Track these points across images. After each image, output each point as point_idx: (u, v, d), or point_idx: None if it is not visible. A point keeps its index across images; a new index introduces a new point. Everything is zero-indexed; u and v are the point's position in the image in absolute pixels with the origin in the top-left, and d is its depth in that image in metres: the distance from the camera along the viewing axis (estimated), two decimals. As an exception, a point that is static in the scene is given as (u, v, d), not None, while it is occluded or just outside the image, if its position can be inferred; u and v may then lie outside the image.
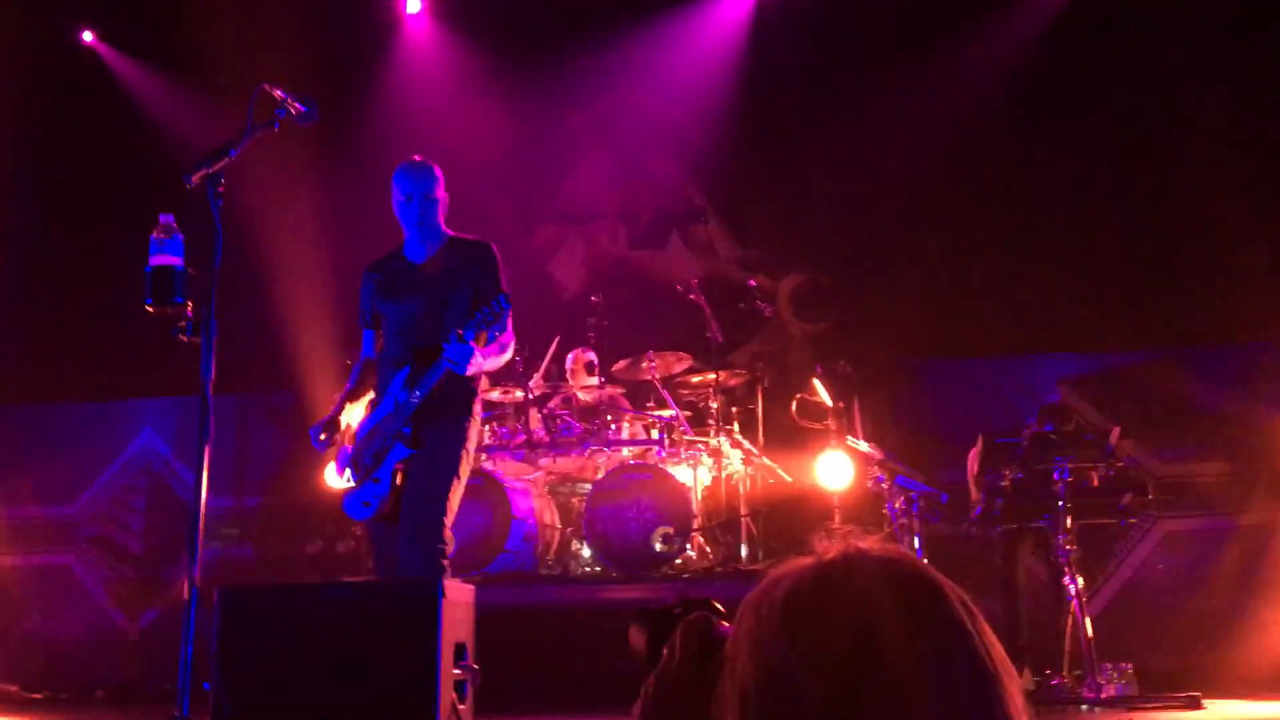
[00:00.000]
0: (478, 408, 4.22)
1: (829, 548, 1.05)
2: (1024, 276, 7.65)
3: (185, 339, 3.24)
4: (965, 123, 7.62)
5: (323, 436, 4.16)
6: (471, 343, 3.90)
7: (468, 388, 4.13)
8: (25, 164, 8.63)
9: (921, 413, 7.25)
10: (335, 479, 4.23)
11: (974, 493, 5.95)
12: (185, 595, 3.09)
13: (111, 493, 6.93)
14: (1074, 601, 5.17)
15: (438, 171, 4.27)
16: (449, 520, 3.91)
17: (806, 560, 1.04)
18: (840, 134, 7.98)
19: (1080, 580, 5.20)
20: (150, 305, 3.25)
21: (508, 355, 4.26)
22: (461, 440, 4.05)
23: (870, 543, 1.05)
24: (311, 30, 7.94)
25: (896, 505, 6.17)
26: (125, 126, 8.47)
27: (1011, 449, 5.65)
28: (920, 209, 7.81)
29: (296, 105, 3.46)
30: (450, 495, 3.94)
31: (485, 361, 4.07)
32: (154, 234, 3.27)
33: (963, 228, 7.73)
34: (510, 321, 4.12)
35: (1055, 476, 5.26)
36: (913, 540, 6.04)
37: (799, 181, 8.14)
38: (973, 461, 5.97)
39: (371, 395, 4.23)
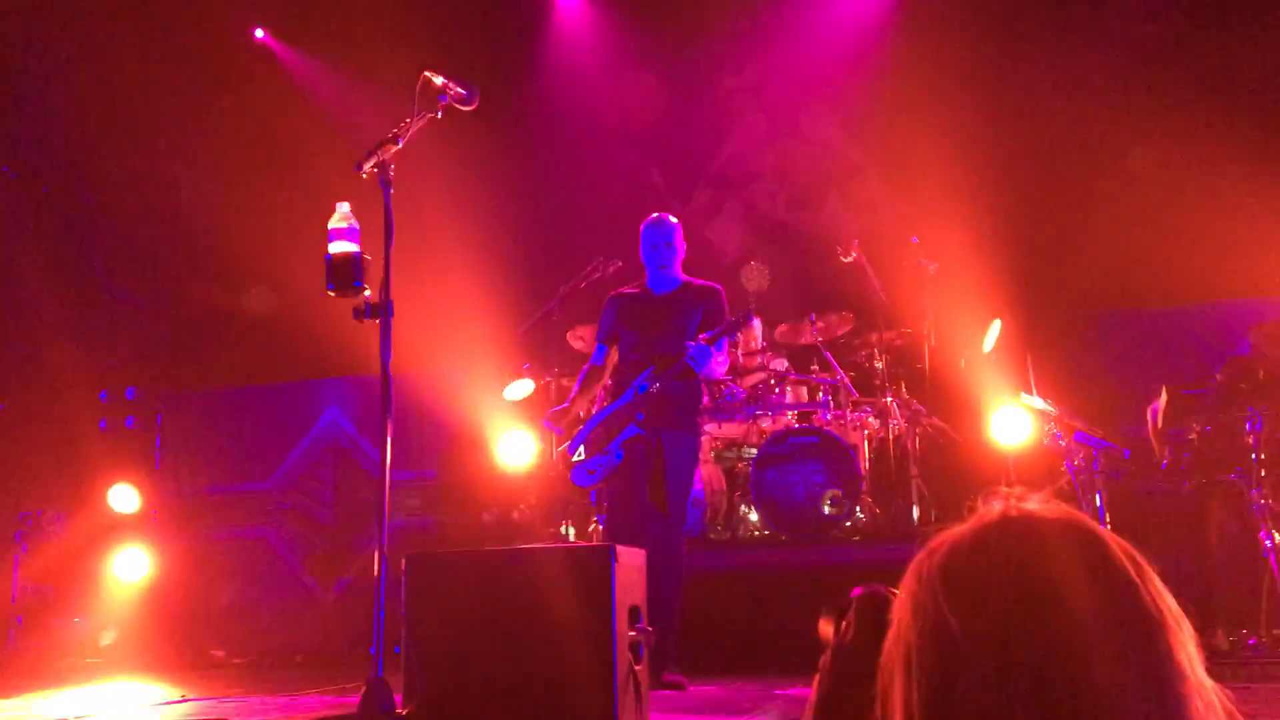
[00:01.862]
0: (703, 414, 5.20)
1: (989, 509, 1.05)
2: (1209, 219, 7.24)
3: (365, 320, 3.40)
4: (1137, 63, 7.24)
5: (558, 425, 5.07)
6: (710, 345, 4.65)
7: (696, 393, 4.99)
8: (209, 159, 9.15)
9: (1100, 365, 6.97)
10: (511, 457, 5.33)
11: (1158, 448, 5.71)
12: (375, 563, 3.27)
13: (303, 468, 7.32)
14: (1270, 557, 4.92)
15: (677, 224, 5.07)
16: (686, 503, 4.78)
17: (966, 522, 1.04)
18: (1004, 82, 7.70)
19: (1276, 535, 4.94)
20: (331, 290, 3.42)
21: (725, 367, 5.05)
22: (695, 446, 4.98)
23: (1032, 501, 1.05)
24: (468, 14, 8.13)
25: (1076, 462, 5.98)
26: (299, 118, 8.86)
27: (1199, 400, 5.40)
28: (1094, 154, 7.48)
29: (457, 90, 3.56)
30: (689, 485, 4.87)
31: (718, 365, 4.83)
32: (331, 222, 3.43)
33: (1138, 172, 7.36)
34: (727, 346, 4.92)
35: (1247, 428, 5.00)
36: (1094, 498, 5.85)
37: (962, 132, 7.89)
38: (1156, 415, 5.72)
39: (593, 394, 5.13)
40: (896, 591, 1.44)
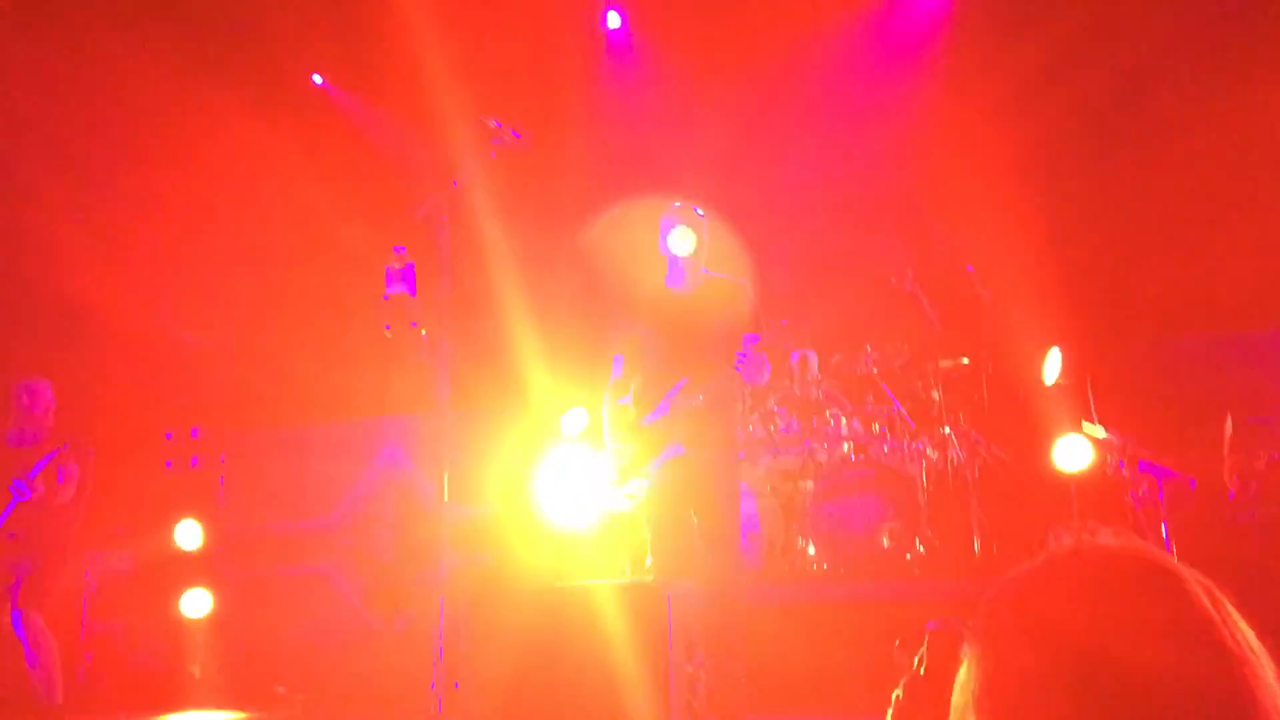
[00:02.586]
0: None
1: (1059, 544, 1.04)
2: (1276, 243, 7.11)
3: (421, 360, 3.46)
4: (1192, 91, 7.16)
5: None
6: (748, 353, 4.32)
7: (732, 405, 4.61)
8: (270, 203, 9.35)
9: (1164, 393, 6.84)
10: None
11: (1226, 477, 5.59)
12: (434, 600, 3.30)
13: (363, 505, 7.39)
14: (1348, 589, 4.78)
15: (698, 213, 4.66)
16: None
17: (1036, 558, 1.04)
18: (1061, 104, 7.63)
19: (1351, 565, 4.81)
20: (388, 330, 3.48)
21: (768, 370, 4.71)
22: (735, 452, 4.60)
23: (1104, 534, 1.04)
24: (520, 58, 8.25)
25: (1140, 492, 5.86)
26: (358, 163, 9.03)
27: (1266, 428, 5.28)
28: (1154, 176, 7.38)
29: (511, 133, 3.63)
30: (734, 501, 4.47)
31: (759, 379, 4.61)
32: (389, 265, 3.50)
33: (1196, 197, 7.26)
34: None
35: (1317, 456, 4.88)
36: (1160, 529, 5.73)
37: (1018, 157, 7.83)
38: (1223, 443, 5.61)
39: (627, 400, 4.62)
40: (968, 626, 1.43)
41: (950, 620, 1.35)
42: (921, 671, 1.30)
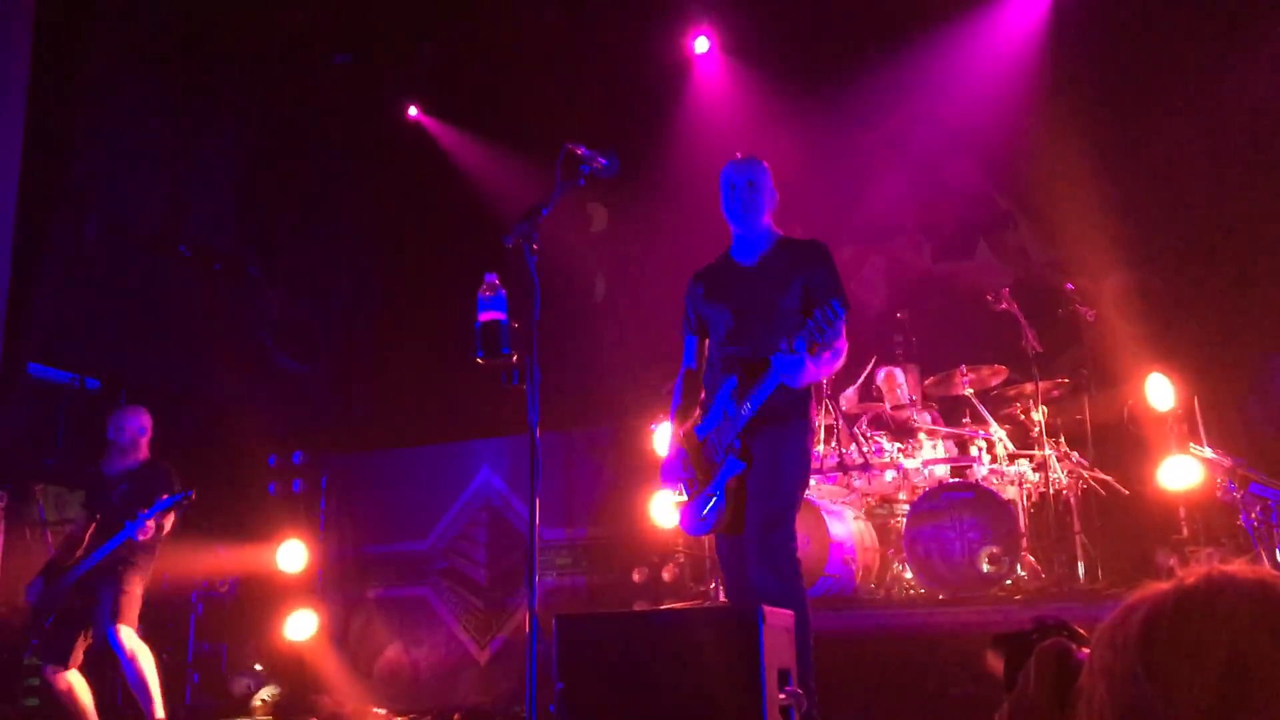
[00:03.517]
0: (813, 416, 4.06)
1: (1189, 572, 0.98)
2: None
3: (513, 385, 3.49)
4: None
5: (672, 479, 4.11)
6: (804, 353, 3.67)
7: (801, 397, 3.92)
8: (368, 232, 9.58)
9: (1272, 412, 6.59)
10: (661, 514, 4.24)
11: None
12: (526, 624, 3.32)
13: (458, 528, 7.48)
14: None
15: (765, 165, 4.18)
16: (794, 532, 3.82)
17: (1163, 586, 0.99)
18: (1154, 124, 7.45)
19: None
20: (481, 357, 3.53)
21: (840, 361, 4.01)
22: (798, 453, 3.88)
23: (1235, 565, 0.98)
24: (609, 84, 8.34)
25: (1252, 516, 5.65)
26: (450, 192, 9.21)
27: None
28: (1253, 194, 7.14)
29: (599, 160, 3.65)
30: (792, 511, 3.86)
31: (819, 370, 3.86)
32: (480, 292, 3.55)
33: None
34: (844, 326, 3.83)
35: None
36: (1274, 554, 5.51)
37: (1114, 176, 7.66)
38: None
39: (697, 406, 4.14)
40: (1078, 644, 1.38)
41: (1060, 641, 1.29)
42: (1030, 690, 1.24)
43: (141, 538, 5.58)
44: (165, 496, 5.63)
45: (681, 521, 4.08)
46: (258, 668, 7.59)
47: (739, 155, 4.20)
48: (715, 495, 3.92)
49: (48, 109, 7.49)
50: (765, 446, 3.85)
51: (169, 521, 5.76)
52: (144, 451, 6.07)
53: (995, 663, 1.46)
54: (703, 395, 4.12)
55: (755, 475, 3.84)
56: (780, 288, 3.92)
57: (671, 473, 4.10)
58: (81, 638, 5.70)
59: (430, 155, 9.46)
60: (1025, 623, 1.52)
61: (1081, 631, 1.40)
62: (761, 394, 3.80)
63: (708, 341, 4.17)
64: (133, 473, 5.94)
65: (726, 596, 4.13)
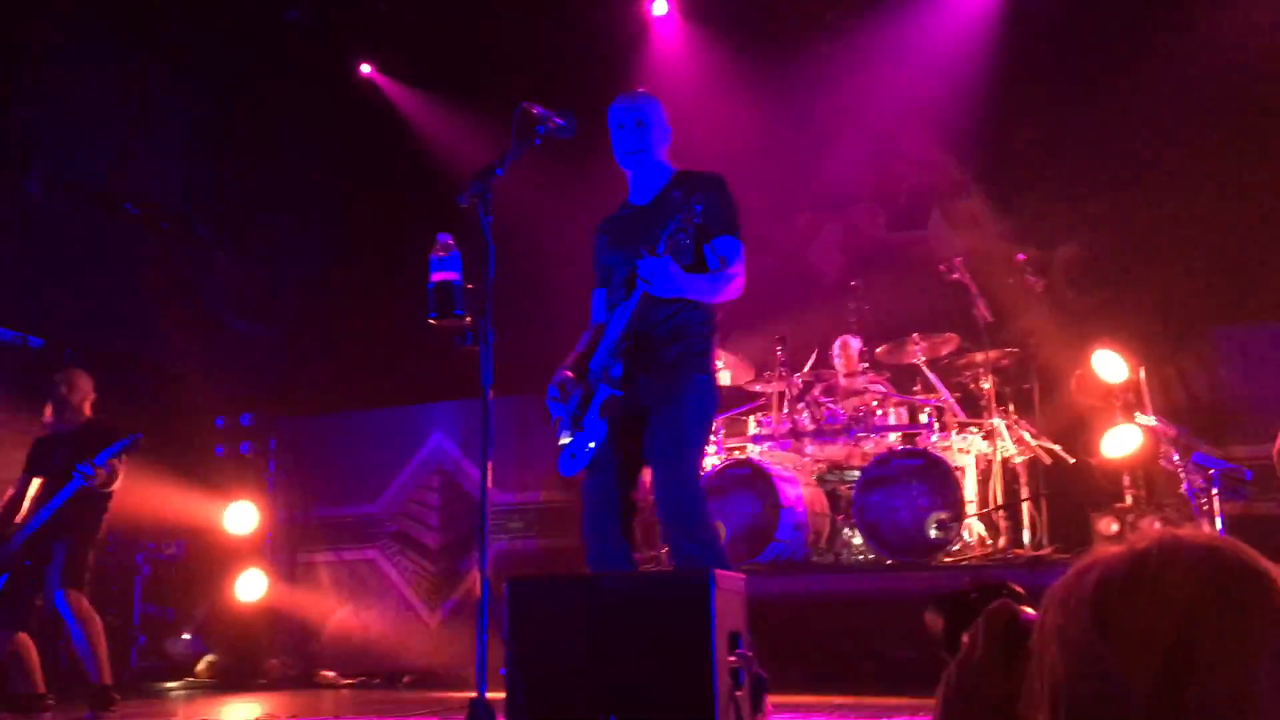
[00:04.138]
0: (710, 357, 3.78)
1: (1139, 536, 0.98)
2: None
3: (466, 347, 3.46)
4: (1241, 79, 7.00)
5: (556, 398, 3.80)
6: (666, 256, 3.45)
7: (697, 333, 3.72)
8: (319, 194, 9.44)
9: (1216, 383, 6.72)
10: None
11: (1281, 469, 5.47)
12: (478, 587, 3.31)
13: (409, 492, 7.45)
14: None
15: (655, 99, 3.93)
16: (700, 505, 3.58)
17: (1115, 549, 0.98)
18: (1108, 96, 7.51)
19: None
20: (433, 319, 3.49)
21: (734, 291, 3.72)
22: (696, 402, 3.62)
23: (1184, 529, 0.98)
24: (566, 44, 8.25)
25: (1194, 484, 5.76)
26: (403, 152, 9.09)
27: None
28: (1199, 169, 7.23)
29: (555, 120, 3.60)
30: (693, 467, 3.63)
31: (695, 290, 3.63)
32: (433, 252, 3.50)
33: (1248, 185, 7.11)
34: (740, 255, 3.70)
35: (1379, 448, 4.76)
36: (1214, 521, 5.63)
37: (1067, 148, 7.73)
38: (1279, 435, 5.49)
39: None
40: (1019, 589, 1.38)
41: (1006, 602, 1.30)
42: (976, 656, 1.24)
43: (91, 485, 5.48)
44: (113, 443, 5.54)
45: (558, 463, 3.76)
46: (185, 637, 7.52)
47: (626, 93, 3.97)
48: (587, 427, 3.65)
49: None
50: (656, 393, 3.61)
51: (119, 473, 5.66)
52: (86, 412, 5.97)
53: (934, 622, 1.47)
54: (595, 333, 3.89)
55: (653, 430, 3.61)
56: (672, 219, 3.56)
57: (562, 419, 3.78)
58: (33, 601, 5.62)
59: (384, 115, 9.32)
60: (964, 583, 1.53)
61: (1020, 590, 1.40)
62: (628, 308, 3.59)
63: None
64: (75, 433, 5.83)
65: (588, 564, 3.73)
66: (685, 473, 3.61)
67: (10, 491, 5.86)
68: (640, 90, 4.01)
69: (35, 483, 5.74)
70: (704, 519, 3.60)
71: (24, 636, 5.61)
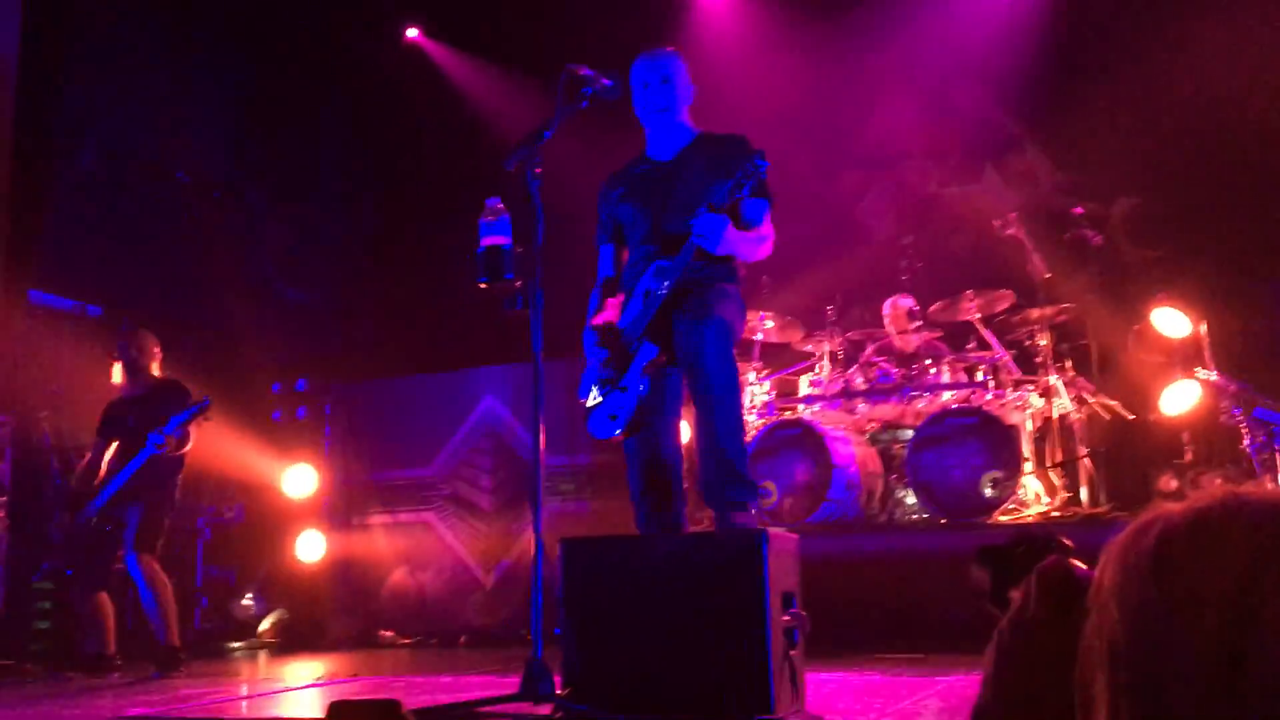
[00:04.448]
0: (741, 313, 3.78)
1: (1201, 494, 0.95)
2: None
3: (516, 311, 3.47)
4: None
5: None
6: (724, 211, 3.46)
7: (726, 277, 3.71)
8: (368, 158, 9.48)
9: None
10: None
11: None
12: (531, 548, 3.34)
13: (462, 454, 7.50)
14: None
15: (679, 57, 3.90)
16: (738, 446, 3.53)
17: (1176, 506, 0.96)
18: (1171, 45, 7.30)
19: None
20: (483, 283, 3.50)
21: (765, 251, 3.76)
22: (725, 340, 3.53)
23: (1249, 487, 0.95)
24: (612, 4, 8.18)
25: (1256, 440, 5.66)
26: (451, 116, 9.09)
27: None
28: (1258, 118, 7.03)
29: (603, 82, 3.58)
30: (735, 409, 3.56)
31: (742, 244, 3.64)
32: (483, 216, 3.51)
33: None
34: (769, 214, 3.73)
35: None
36: (1276, 478, 5.53)
37: (1125, 98, 7.53)
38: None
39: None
40: (1067, 542, 1.36)
41: (1061, 559, 1.27)
42: (1030, 614, 1.22)
43: (163, 452, 5.60)
44: (181, 411, 5.65)
45: (590, 424, 3.71)
46: (247, 600, 7.67)
47: (650, 49, 3.91)
48: (629, 388, 3.60)
49: (41, 37, 7.37)
50: (690, 335, 3.50)
51: (190, 437, 5.77)
52: (155, 373, 6.08)
53: (980, 576, 1.44)
54: (621, 295, 3.83)
55: (688, 388, 3.58)
56: (701, 179, 3.63)
57: (588, 378, 3.76)
58: (112, 563, 5.79)
59: (431, 79, 9.32)
60: (1010, 537, 1.50)
61: (1069, 544, 1.38)
62: (681, 261, 3.55)
63: (625, 250, 3.92)
64: (146, 394, 5.95)
65: (638, 525, 3.71)
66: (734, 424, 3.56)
67: (87, 456, 6.00)
68: (664, 47, 3.96)
69: (112, 446, 5.88)
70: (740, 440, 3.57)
71: (103, 597, 5.78)
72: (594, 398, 3.72)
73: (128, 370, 6.02)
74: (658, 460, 3.66)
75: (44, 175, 7.57)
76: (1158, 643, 0.88)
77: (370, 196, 9.71)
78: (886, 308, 6.99)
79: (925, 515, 6.25)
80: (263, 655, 6.92)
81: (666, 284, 3.58)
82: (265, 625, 7.55)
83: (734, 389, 3.57)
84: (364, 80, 9.27)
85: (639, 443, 3.70)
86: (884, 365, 6.64)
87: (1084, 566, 1.24)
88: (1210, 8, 7.02)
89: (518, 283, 3.47)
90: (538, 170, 3.41)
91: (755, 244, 3.71)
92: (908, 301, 6.92)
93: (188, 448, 5.80)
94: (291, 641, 7.28)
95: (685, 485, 3.80)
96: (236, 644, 7.38)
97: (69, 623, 6.21)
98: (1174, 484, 6.03)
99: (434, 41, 9.49)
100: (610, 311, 3.82)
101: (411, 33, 9.51)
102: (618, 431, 3.65)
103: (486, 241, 3.48)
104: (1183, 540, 0.92)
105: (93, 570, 5.77)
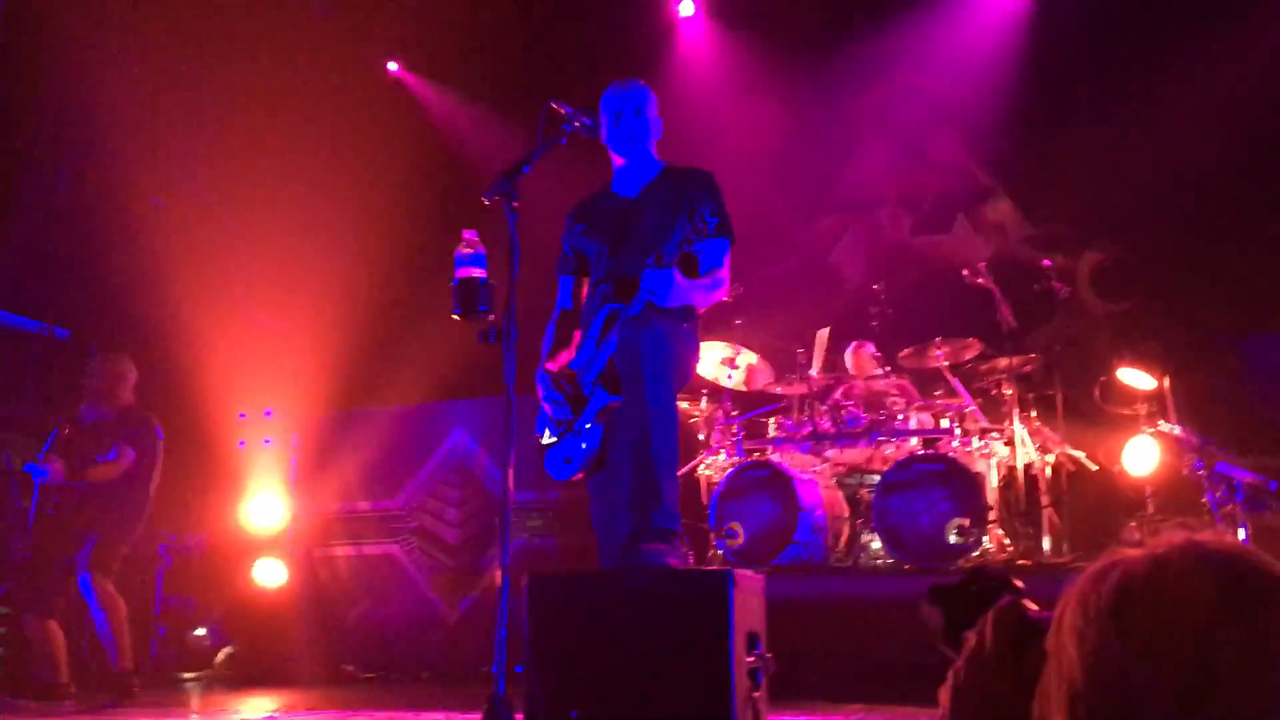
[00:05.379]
0: (690, 350, 3.77)
1: (1160, 541, 0.97)
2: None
3: (490, 344, 3.46)
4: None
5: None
6: (674, 267, 3.47)
7: (681, 325, 3.67)
8: (342, 190, 9.47)
9: (1243, 394, 6.67)
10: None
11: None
12: (498, 583, 3.32)
13: (429, 488, 7.46)
14: None
15: (650, 91, 3.92)
16: (668, 478, 3.47)
17: (1136, 552, 0.97)
18: (1138, 102, 7.46)
19: None
20: (457, 315, 3.50)
21: (720, 294, 3.78)
22: (668, 384, 3.53)
23: (1206, 535, 0.97)
24: (594, 44, 8.27)
25: (1217, 494, 5.73)
26: (431, 149, 9.12)
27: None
28: (1228, 176, 7.18)
29: (582, 120, 3.61)
30: (665, 448, 3.48)
31: (693, 294, 3.64)
32: (459, 249, 3.52)
33: (1277, 193, 7.05)
34: (727, 255, 3.72)
35: (1406, 461, 4.71)
36: (1237, 532, 5.59)
37: (1095, 154, 7.68)
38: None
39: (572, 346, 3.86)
40: (1018, 583, 1.37)
41: (1015, 601, 1.29)
42: (987, 652, 1.23)
43: (48, 480, 5.57)
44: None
45: (546, 465, 3.76)
46: (199, 632, 7.56)
47: (620, 80, 3.94)
48: (582, 433, 3.63)
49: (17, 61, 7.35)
50: (634, 378, 3.49)
51: (120, 464, 5.71)
52: (124, 399, 6.02)
53: (932, 615, 1.45)
54: (579, 333, 3.84)
55: (624, 417, 3.52)
56: (662, 217, 3.68)
57: (542, 417, 3.78)
58: (63, 588, 5.69)
59: (410, 112, 9.35)
60: (960, 574, 1.51)
61: (1019, 584, 1.39)
62: (629, 314, 3.54)
63: (586, 282, 3.92)
64: (110, 421, 5.91)
65: (601, 561, 3.73)
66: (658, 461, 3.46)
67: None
68: (634, 79, 3.97)
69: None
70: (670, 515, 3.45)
71: (52, 624, 5.67)
72: (548, 438, 3.75)
73: (90, 396, 5.96)
74: (616, 500, 3.64)
75: (15, 195, 7.52)
76: (1117, 690, 0.89)
77: (348, 223, 9.69)
78: (849, 352, 7.06)
79: (890, 560, 6.27)
80: (218, 687, 6.81)
81: (622, 328, 3.56)
82: (221, 657, 7.43)
83: (665, 382, 3.49)
84: (344, 110, 9.29)
85: (599, 483, 3.74)
86: (852, 409, 6.68)
87: (1036, 608, 1.25)
88: (1183, 61, 7.18)
89: (492, 316, 3.47)
90: (515, 204, 3.42)
91: (707, 290, 3.71)
92: (869, 348, 6.99)
93: (111, 474, 5.72)
94: (249, 674, 7.17)
95: None
96: (191, 675, 7.26)
97: (22, 651, 6.09)
98: (1137, 536, 6.08)
99: (414, 75, 9.53)
100: (565, 354, 3.83)
101: (392, 66, 9.55)
102: (574, 474, 3.70)
103: (462, 273, 3.48)
104: (1141, 587, 0.93)
105: (41, 594, 5.68)
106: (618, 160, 3.93)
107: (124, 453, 5.76)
